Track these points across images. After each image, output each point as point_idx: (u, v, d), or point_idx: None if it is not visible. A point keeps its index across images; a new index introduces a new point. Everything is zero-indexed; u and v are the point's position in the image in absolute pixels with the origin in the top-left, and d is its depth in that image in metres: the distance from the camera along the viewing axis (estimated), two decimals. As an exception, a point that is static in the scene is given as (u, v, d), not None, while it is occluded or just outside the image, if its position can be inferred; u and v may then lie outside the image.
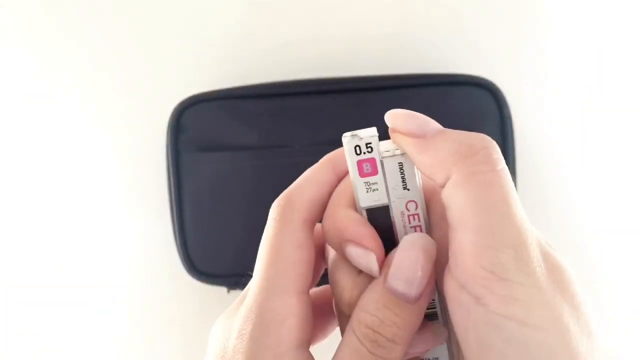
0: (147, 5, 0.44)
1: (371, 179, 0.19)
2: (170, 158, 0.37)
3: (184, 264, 0.38)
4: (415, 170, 0.19)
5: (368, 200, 0.19)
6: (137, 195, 0.44)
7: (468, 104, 0.38)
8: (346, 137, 0.19)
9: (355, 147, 0.19)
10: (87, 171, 0.45)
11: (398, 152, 0.19)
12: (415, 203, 0.19)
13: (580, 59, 0.44)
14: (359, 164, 0.19)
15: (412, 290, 0.18)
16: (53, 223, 0.45)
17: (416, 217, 0.19)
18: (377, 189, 0.19)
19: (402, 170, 0.19)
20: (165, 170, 0.39)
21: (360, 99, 0.38)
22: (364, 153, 0.19)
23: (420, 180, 0.19)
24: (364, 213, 0.19)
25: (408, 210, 0.19)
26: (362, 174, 0.19)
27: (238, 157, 0.37)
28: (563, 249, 0.43)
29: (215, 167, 0.37)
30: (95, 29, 0.44)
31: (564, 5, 0.43)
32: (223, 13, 0.44)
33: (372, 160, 0.19)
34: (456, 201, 0.17)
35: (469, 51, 0.43)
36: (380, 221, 0.19)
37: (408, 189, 0.19)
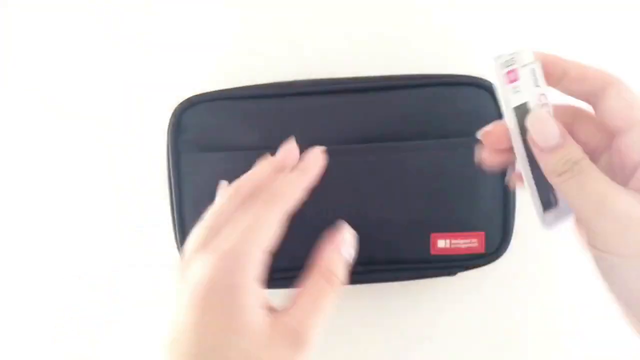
0: (148, 5, 0.44)
1: (515, 84, 0.26)
2: (170, 158, 0.38)
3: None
4: (541, 73, 0.26)
5: (516, 100, 0.26)
6: (137, 195, 0.44)
7: (468, 104, 0.38)
8: (495, 57, 0.26)
9: (503, 62, 0.26)
10: (88, 171, 0.45)
11: (531, 61, 0.26)
12: (545, 95, 0.26)
13: (580, 59, 0.44)
14: (507, 74, 0.26)
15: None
16: (52, 222, 0.45)
17: (546, 104, 0.26)
18: (520, 91, 0.26)
19: (534, 75, 0.26)
20: (165, 171, 0.39)
21: (361, 99, 0.38)
22: (509, 66, 0.26)
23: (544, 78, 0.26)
24: (513, 112, 0.26)
25: (540, 100, 0.26)
26: (508, 81, 0.26)
27: (238, 157, 0.37)
28: (562, 246, 0.43)
29: (215, 168, 0.37)
30: (94, 29, 0.44)
31: (564, 6, 0.43)
32: (224, 13, 0.44)
33: (515, 70, 0.26)
34: None
35: (468, 52, 0.43)
36: (524, 114, 0.26)
37: (539, 86, 0.26)
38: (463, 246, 0.38)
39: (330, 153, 0.37)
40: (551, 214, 0.29)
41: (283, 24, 0.43)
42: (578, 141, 0.26)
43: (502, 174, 0.38)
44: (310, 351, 0.26)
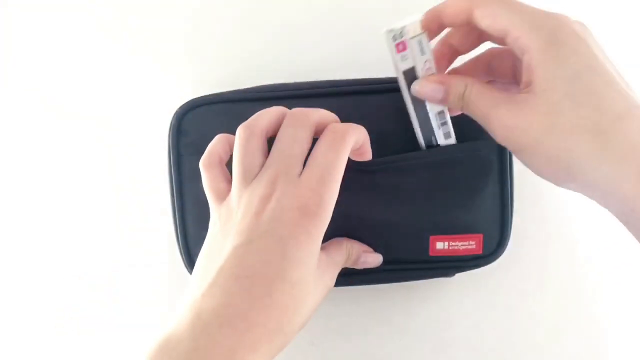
0: (148, 8, 0.44)
1: (403, 54, 0.32)
2: (171, 161, 0.38)
3: (186, 267, 0.39)
4: (428, 43, 0.32)
5: (404, 65, 0.33)
6: (138, 196, 0.44)
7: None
8: (386, 31, 0.31)
9: (392, 36, 0.31)
10: (88, 173, 0.45)
11: (417, 33, 0.31)
12: (429, 60, 0.32)
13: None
14: (396, 45, 0.32)
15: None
16: (52, 223, 0.45)
17: (429, 68, 0.33)
18: (408, 58, 0.32)
19: (420, 45, 0.32)
20: (166, 173, 0.39)
21: (359, 102, 0.38)
22: (398, 39, 0.31)
23: (431, 48, 0.32)
24: (402, 75, 0.33)
25: (425, 65, 0.33)
26: (397, 51, 0.32)
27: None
28: (561, 246, 0.44)
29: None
30: (95, 30, 0.45)
31: (563, 7, 0.44)
32: (224, 16, 0.44)
33: (404, 41, 0.32)
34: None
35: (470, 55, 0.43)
36: (411, 76, 0.33)
37: (425, 53, 0.32)
38: (461, 248, 0.38)
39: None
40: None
41: (283, 26, 0.44)
42: (502, 74, 0.34)
43: (502, 176, 0.38)
44: (326, 218, 0.30)
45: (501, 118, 0.29)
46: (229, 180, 0.32)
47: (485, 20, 0.29)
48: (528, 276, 0.44)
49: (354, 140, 0.31)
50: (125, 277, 0.45)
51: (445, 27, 0.33)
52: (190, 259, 0.39)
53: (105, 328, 0.45)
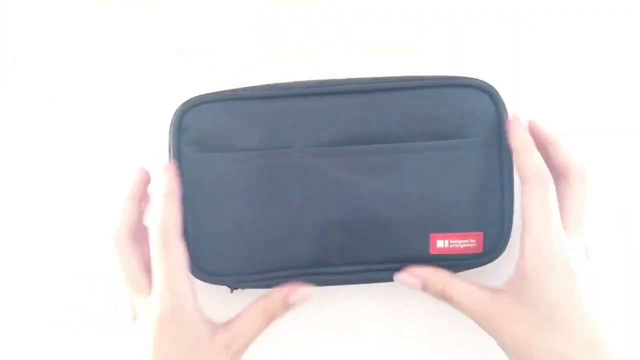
0: (150, 6, 0.44)
1: None
2: (172, 159, 0.38)
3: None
4: None
5: None
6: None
7: (467, 106, 0.38)
8: None
9: None
10: (88, 172, 0.45)
11: None
12: None
13: (578, 61, 0.44)
14: None
15: None
16: (52, 222, 0.45)
17: None
18: None
19: None
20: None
21: (361, 101, 0.38)
22: None
23: None
24: None
25: None
26: None
27: (240, 158, 0.37)
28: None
29: (217, 168, 0.38)
30: (95, 29, 0.45)
31: (563, 8, 0.44)
32: (225, 15, 0.44)
33: None
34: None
35: (467, 54, 0.44)
36: None
37: None
38: (462, 246, 0.38)
39: (330, 154, 0.37)
40: None
41: (284, 25, 0.44)
42: None
43: (502, 174, 0.38)
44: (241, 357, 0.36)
45: (488, 319, 0.34)
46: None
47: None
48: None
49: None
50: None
51: None
52: (188, 253, 0.38)
53: (105, 328, 0.45)
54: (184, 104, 0.38)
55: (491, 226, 0.38)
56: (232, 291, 0.40)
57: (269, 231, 0.38)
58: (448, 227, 0.38)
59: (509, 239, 0.39)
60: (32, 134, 0.45)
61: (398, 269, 0.39)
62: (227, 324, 0.35)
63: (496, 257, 0.39)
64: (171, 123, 0.38)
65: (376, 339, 0.45)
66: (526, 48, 0.44)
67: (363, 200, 0.37)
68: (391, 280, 0.40)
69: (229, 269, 0.38)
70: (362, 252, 0.38)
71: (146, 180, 0.37)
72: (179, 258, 0.34)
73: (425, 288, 0.37)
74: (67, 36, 0.45)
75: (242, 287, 0.40)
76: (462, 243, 0.38)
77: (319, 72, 0.41)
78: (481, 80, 0.38)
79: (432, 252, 0.38)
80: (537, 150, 0.35)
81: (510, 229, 0.39)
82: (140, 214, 0.37)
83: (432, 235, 0.38)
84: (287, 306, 0.36)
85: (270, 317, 0.36)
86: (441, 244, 0.38)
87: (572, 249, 0.33)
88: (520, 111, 0.39)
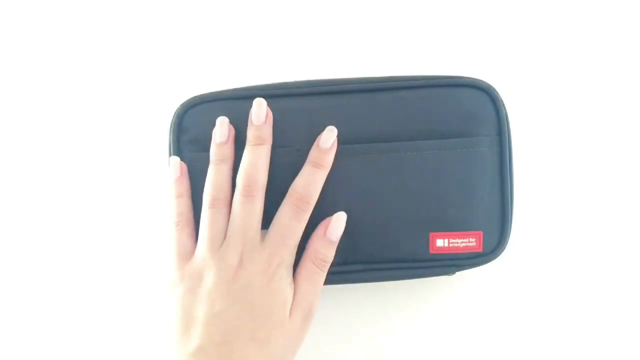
0: (150, 6, 0.44)
1: None
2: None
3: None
4: None
5: None
6: (139, 194, 0.44)
7: (467, 106, 0.38)
8: None
9: None
10: (88, 171, 0.45)
11: None
12: None
13: (579, 60, 0.44)
14: None
15: None
16: (54, 218, 0.45)
17: None
18: None
19: None
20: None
21: (361, 100, 0.38)
22: None
23: None
24: None
25: None
26: None
27: (239, 157, 0.37)
28: (561, 249, 0.44)
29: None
30: (96, 27, 0.45)
31: (563, 7, 0.44)
32: (226, 14, 0.44)
33: None
34: None
35: (467, 54, 0.44)
36: None
37: None
38: (461, 245, 0.38)
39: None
40: None
41: (285, 25, 0.44)
42: None
43: (502, 173, 0.38)
44: (311, 321, 0.36)
45: None
46: (194, 242, 0.36)
47: None
48: (528, 275, 0.44)
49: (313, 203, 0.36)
50: (124, 276, 0.45)
51: None
52: None
53: (106, 327, 0.45)
54: (183, 103, 0.38)
55: (491, 226, 0.38)
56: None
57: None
58: (448, 226, 0.38)
59: (508, 239, 0.39)
60: (31, 134, 0.45)
61: (397, 269, 0.38)
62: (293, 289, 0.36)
63: (495, 256, 0.39)
64: (171, 122, 0.38)
65: (376, 339, 0.45)
66: (526, 48, 0.44)
67: (362, 199, 0.37)
68: (391, 279, 0.40)
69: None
70: (361, 252, 0.38)
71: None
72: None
73: None
74: (67, 36, 0.45)
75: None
76: (461, 242, 0.38)
77: (319, 71, 0.41)
78: (481, 80, 0.38)
79: (432, 251, 0.38)
80: None
81: (509, 229, 0.39)
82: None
83: (431, 235, 0.38)
84: (331, 245, 0.36)
85: (322, 263, 0.36)
86: (441, 243, 0.38)
87: None
88: (520, 110, 0.39)
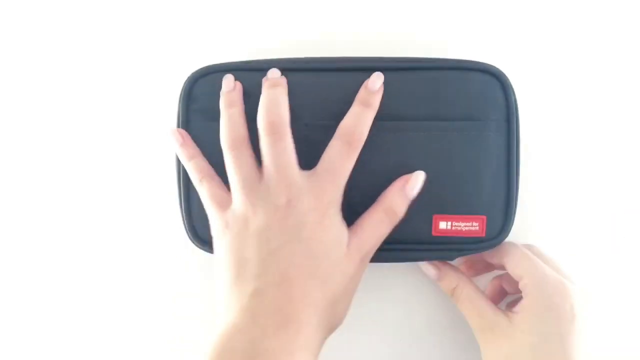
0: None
1: None
2: (181, 125, 0.38)
3: (187, 232, 0.39)
4: None
5: None
6: (144, 159, 0.44)
7: (475, 89, 0.38)
8: None
9: None
10: (97, 131, 0.45)
11: None
12: None
13: (590, 48, 0.44)
14: None
15: None
16: (60, 181, 0.45)
17: None
18: None
19: None
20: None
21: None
22: None
23: None
24: None
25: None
26: None
27: (247, 129, 0.37)
28: (567, 240, 0.44)
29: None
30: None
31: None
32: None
33: None
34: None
35: (478, 38, 0.44)
36: None
37: None
38: (464, 229, 0.38)
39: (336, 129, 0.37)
40: None
41: (300, 2, 0.44)
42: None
43: (508, 158, 0.38)
44: (365, 268, 0.36)
45: (482, 330, 0.38)
46: (226, 190, 0.35)
47: (510, 267, 0.38)
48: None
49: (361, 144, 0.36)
50: (127, 238, 0.45)
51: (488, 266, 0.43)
52: (191, 221, 0.39)
53: (105, 327, 0.45)
54: (195, 72, 0.38)
55: (495, 211, 0.38)
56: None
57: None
58: (451, 209, 0.38)
59: (511, 225, 0.38)
60: (40, 96, 0.45)
61: (398, 250, 0.38)
62: (354, 230, 0.35)
63: (498, 242, 0.39)
64: (181, 90, 0.38)
65: (376, 321, 0.45)
66: (537, 33, 0.44)
67: (367, 177, 0.37)
68: (391, 261, 0.40)
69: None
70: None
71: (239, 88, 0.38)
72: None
73: (439, 280, 0.40)
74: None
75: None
76: (464, 226, 0.38)
77: (331, 48, 0.41)
78: (490, 65, 0.38)
79: (435, 233, 0.38)
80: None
81: (513, 215, 0.39)
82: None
83: (435, 217, 0.38)
84: (407, 200, 0.36)
85: (393, 215, 0.36)
86: (444, 225, 0.38)
87: (578, 295, 0.36)
88: (530, 96, 0.39)
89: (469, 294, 0.39)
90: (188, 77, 0.38)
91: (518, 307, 0.37)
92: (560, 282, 0.36)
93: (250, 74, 0.38)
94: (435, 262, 0.41)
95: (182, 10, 0.44)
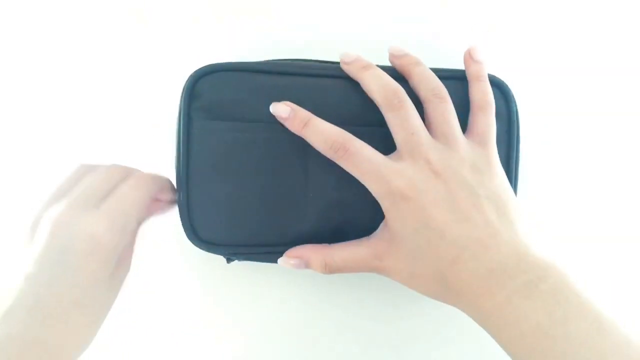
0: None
1: None
2: (182, 122, 0.38)
3: (185, 229, 0.38)
4: None
5: None
6: (144, 159, 0.44)
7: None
8: None
9: None
10: (97, 129, 0.45)
11: None
12: None
13: (590, 57, 0.45)
14: None
15: None
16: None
17: None
18: None
19: None
20: (175, 134, 0.39)
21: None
22: None
23: None
24: None
25: None
26: None
27: (248, 129, 0.37)
28: (566, 246, 0.44)
29: (224, 137, 0.37)
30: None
31: (573, 4, 0.44)
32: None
33: None
34: None
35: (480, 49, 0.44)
36: None
37: None
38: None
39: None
40: None
41: (311, 5, 0.44)
42: None
43: (507, 170, 0.38)
44: (112, 244, 0.34)
45: (376, 266, 0.36)
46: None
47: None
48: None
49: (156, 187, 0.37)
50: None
51: None
52: (189, 219, 0.38)
53: (106, 324, 0.44)
54: (198, 69, 0.38)
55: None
56: (228, 262, 0.40)
57: (270, 205, 0.37)
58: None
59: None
60: (49, 83, 0.45)
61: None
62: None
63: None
64: (184, 87, 0.38)
65: (375, 334, 0.44)
66: (539, 44, 0.44)
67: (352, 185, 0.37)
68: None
69: (227, 239, 0.38)
70: (353, 234, 0.38)
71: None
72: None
73: (308, 266, 0.37)
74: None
75: (239, 259, 0.39)
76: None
77: (334, 54, 0.41)
78: (494, 75, 0.39)
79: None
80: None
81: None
82: None
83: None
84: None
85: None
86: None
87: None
88: (531, 107, 0.39)
89: (339, 255, 0.36)
90: (191, 75, 0.38)
91: (382, 228, 0.36)
92: (392, 183, 0.34)
93: (257, 77, 0.38)
94: (288, 251, 0.38)
95: (183, 10, 0.44)
